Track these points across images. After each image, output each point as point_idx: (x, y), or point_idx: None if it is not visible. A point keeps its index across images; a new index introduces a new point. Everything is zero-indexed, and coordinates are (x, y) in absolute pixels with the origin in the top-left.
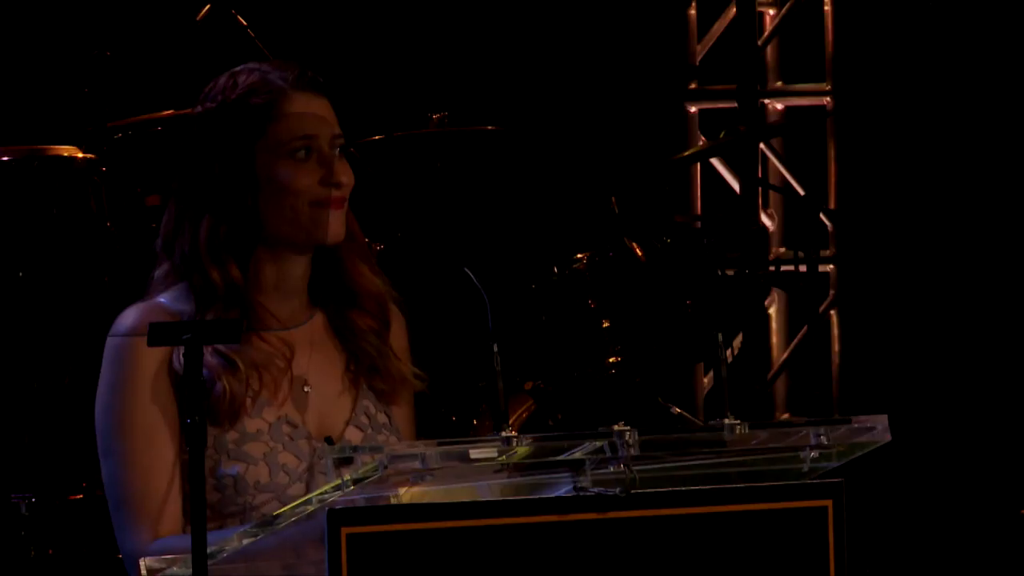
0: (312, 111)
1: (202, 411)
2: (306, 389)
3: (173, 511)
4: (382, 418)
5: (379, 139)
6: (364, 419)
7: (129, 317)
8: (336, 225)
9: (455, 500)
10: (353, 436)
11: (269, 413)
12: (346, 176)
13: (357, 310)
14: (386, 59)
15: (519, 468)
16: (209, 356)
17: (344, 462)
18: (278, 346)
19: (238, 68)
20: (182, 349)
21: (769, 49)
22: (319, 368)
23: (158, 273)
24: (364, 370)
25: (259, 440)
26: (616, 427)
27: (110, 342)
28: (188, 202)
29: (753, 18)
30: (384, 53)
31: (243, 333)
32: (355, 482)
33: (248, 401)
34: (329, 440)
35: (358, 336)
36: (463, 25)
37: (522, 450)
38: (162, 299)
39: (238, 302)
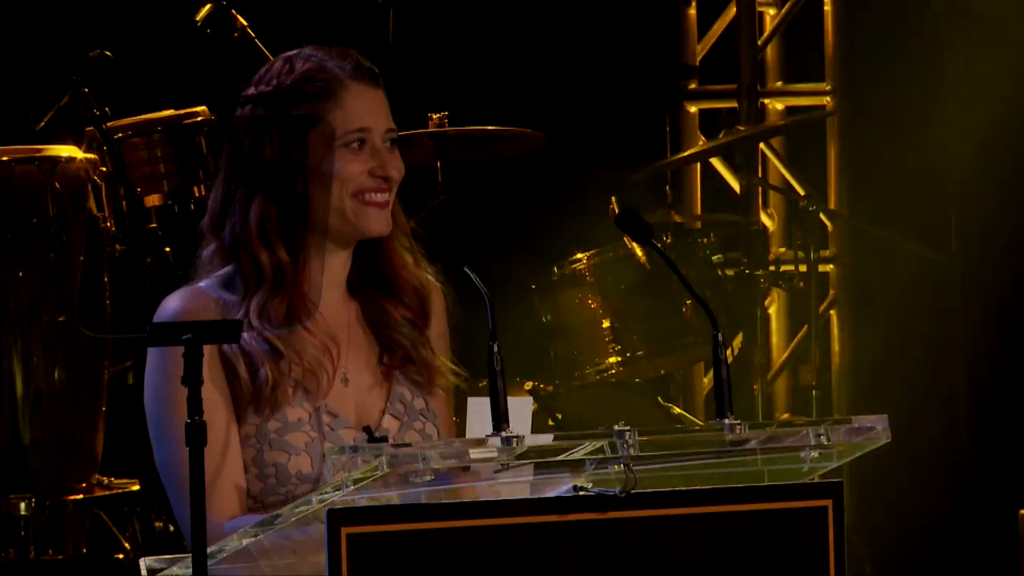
0: (368, 103)
1: (201, 411)
2: (345, 380)
3: (233, 488)
4: (419, 403)
5: None
6: (400, 407)
7: (173, 302)
8: (382, 219)
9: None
10: (390, 425)
11: (310, 403)
12: (396, 170)
13: (393, 300)
14: (386, 59)
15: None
16: (255, 342)
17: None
18: (321, 338)
19: (292, 53)
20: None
21: (769, 49)
22: (355, 359)
23: (205, 253)
24: (398, 362)
25: (301, 430)
26: (616, 427)
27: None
28: (238, 183)
29: (753, 18)
30: (384, 53)
31: (288, 327)
32: (355, 482)
33: (289, 390)
34: (368, 429)
35: (391, 327)
36: (465, 24)
37: (522, 450)
38: (204, 284)
39: (284, 287)
